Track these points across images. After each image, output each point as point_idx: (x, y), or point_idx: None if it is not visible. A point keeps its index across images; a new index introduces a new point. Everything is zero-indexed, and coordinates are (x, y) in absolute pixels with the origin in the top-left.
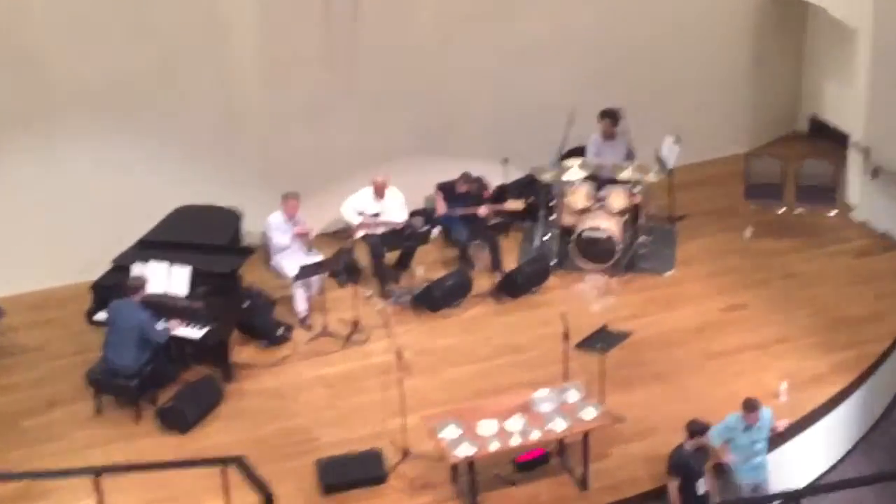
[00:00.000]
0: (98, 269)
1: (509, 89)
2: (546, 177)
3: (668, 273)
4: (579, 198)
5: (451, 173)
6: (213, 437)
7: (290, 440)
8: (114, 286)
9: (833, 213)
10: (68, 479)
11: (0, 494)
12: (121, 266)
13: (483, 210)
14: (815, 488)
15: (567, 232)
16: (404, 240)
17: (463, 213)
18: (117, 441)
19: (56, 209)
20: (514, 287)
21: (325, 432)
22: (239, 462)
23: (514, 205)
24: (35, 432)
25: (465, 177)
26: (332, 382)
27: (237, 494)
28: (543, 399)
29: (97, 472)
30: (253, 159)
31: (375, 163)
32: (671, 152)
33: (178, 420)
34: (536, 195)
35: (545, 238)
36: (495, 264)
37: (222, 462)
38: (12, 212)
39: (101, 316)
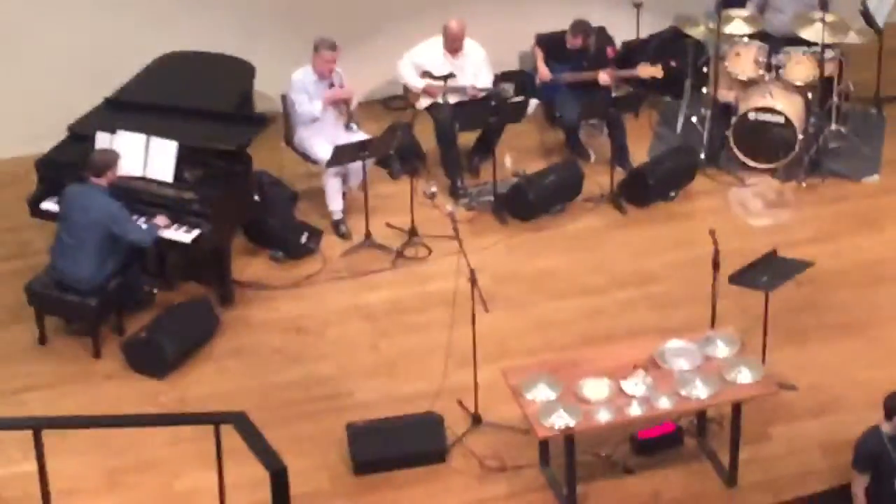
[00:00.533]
0: (47, 139)
1: None
2: (697, 31)
3: (871, 179)
4: (745, 64)
5: (557, 21)
6: (201, 383)
7: (312, 394)
8: (69, 164)
9: None
10: None
11: None
12: (79, 136)
13: (604, 76)
14: None
15: (725, 113)
16: (487, 114)
17: (573, 80)
18: (67, 383)
19: None
20: (643, 189)
21: (362, 385)
22: (238, 420)
23: (649, 71)
24: None
25: (579, 26)
26: (374, 314)
27: (232, 465)
28: (678, 352)
29: (37, 426)
30: None
31: (447, 3)
32: (883, 3)
33: (154, 358)
34: (681, 57)
35: (692, 120)
36: (618, 156)
37: (214, 420)
38: None
39: (51, 205)
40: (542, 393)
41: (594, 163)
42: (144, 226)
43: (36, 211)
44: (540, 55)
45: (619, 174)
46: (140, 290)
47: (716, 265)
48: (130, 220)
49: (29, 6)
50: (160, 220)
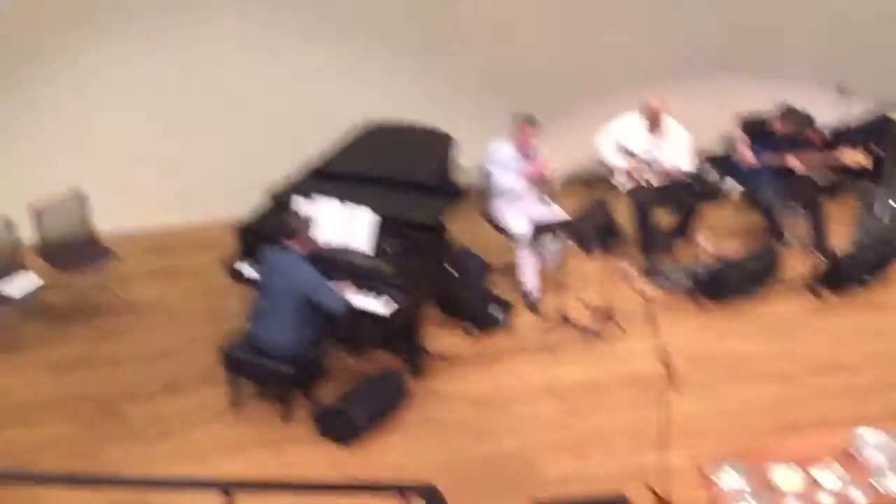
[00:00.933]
0: (248, 204)
1: None
2: None
3: None
4: None
5: (759, 103)
6: (388, 454)
7: (501, 469)
8: (268, 229)
9: None
10: (185, 493)
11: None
12: (281, 202)
13: (803, 162)
14: None
15: None
16: (686, 195)
17: (775, 164)
18: (256, 446)
19: (193, 120)
20: (841, 276)
21: (551, 462)
22: (427, 492)
23: (852, 157)
24: (143, 425)
25: (786, 111)
26: (565, 393)
27: None
28: (874, 443)
29: (226, 488)
30: (473, 65)
31: (648, 80)
32: None
33: (343, 426)
34: (886, 143)
35: (894, 207)
36: (817, 241)
37: (402, 489)
38: (133, 122)
39: (249, 270)
40: (731, 479)
41: (792, 247)
42: (336, 293)
43: (234, 274)
44: (744, 139)
45: (817, 259)
46: (322, 369)
47: None
48: (328, 288)
49: (232, 69)
50: (347, 286)
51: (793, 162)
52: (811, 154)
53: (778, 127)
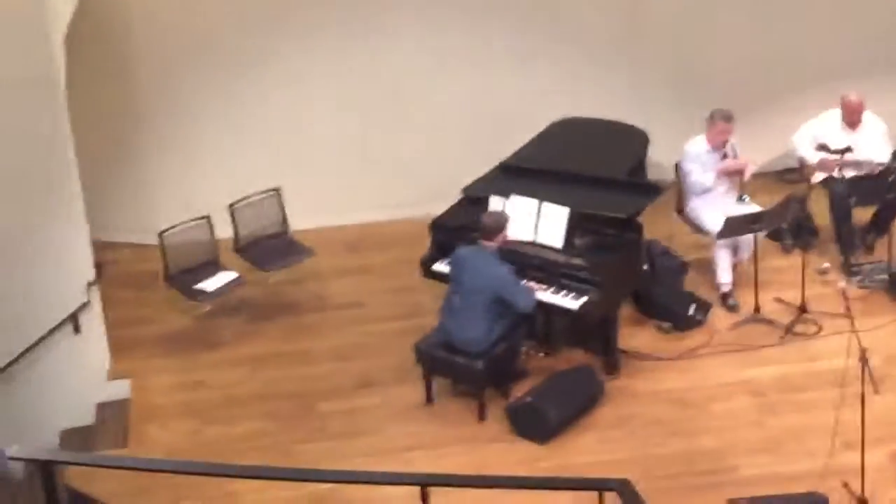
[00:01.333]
0: (441, 201)
1: None
2: None
3: None
4: None
5: None
6: (583, 451)
7: (695, 467)
8: (462, 227)
9: None
10: (380, 489)
11: (284, 499)
12: (473, 199)
13: None
14: None
15: None
16: (884, 190)
17: None
18: (450, 443)
19: (390, 118)
20: None
21: (748, 461)
22: (622, 488)
23: None
24: (337, 421)
25: None
26: (761, 390)
27: None
28: None
29: (423, 483)
30: (667, 60)
31: (846, 75)
32: None
33: (538, 423)
34: None
35: None
36: None
37: (598, 486)
38: (331, 119)
39: (442, 267)
40: None
41: None
42: (527, 290)
43: (428, 272)
44: None
45: None
46: (515, 366)
47: None
48: (519, 285)
49: (428, 67)
50: (532, 284)
51: None
52: None
53: None
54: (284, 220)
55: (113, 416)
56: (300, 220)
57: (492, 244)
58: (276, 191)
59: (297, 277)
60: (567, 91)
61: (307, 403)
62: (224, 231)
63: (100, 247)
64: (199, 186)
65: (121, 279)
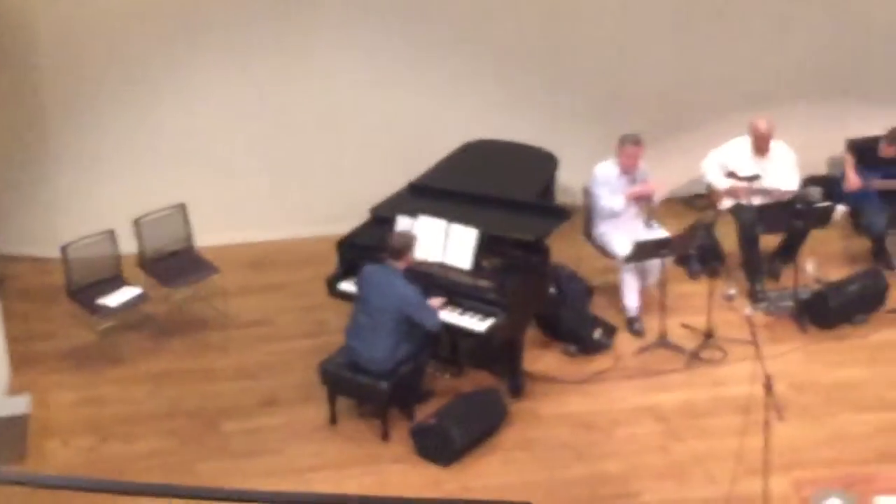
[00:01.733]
0: (348, 219)
1: None
2: None
3: None
4: None
5: (869, 126)
6: (487, 474)
7: (599, 492)
8: (369, 246)
9: None
10: None
11: None
12: (381, 218)
13: None
14: None
15: None
16: (792, 218)
17: (884, 188)
18: (354, 464)
19: (297, 136)
20: None
21: (650, 486)
22: None
23: None
24: (240, 440)
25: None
26: (665, 415)
27: None
28: None
29: (324, 503)
30: (579, 86)
31: (757, 102)
32: None
33: (442, 444)
34: None
35: None
36: None
37: None
38: (236, 136)
39: (349, 286)
40: None
41: None
42: (432, 310)
43: (334, 291)
44: (850, 162)
45: None
46: (419, 387)
47: None
48: (426, 305)
49: (341, 85)
50: (435, 301)
51: None
52: None
53: (886, 151)
54: (189, 237)
55: (11, 431)
56: (207, 237)
57: (398, 264)
58: (182, 206)
59: (203, 294)
60: (480, 113)
61: (210, 422)
62: (128, 246)
63: (0, 260)
64: (103, 200)
65: (22, 293)
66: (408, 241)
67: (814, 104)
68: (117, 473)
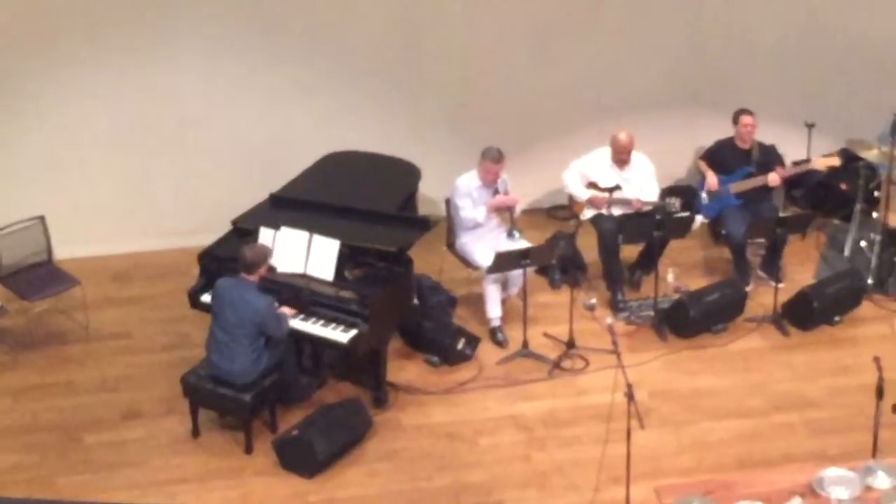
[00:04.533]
0: (210, 232)
1: (827, 19)
2: (869, 154)
3: None
4: None
5: (719, 134)
6: (351, 485)
7: (463, 501)
8: (231, 258)
9: None
10: None
11: None
12: (243, 230)
13: (774, 177)
14: None
15: (894, 238)
16: (652, 228)
17: (743, 189)
18: (216, 477)
19: (155, 145)
20: (806, 312)
21: (514, 496)
22: None
23: (825, 161)
24: (101, 453)
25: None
26: (528, 424)
27: None
28: (837, 480)
29: None
30: (440, 97)
31: (616, 114)
32: None
33: (304, 457)
34: (852, 180)
35: (860, 244)
36: (770, 270)
37: None
38: (95, 148)
39: (209, 298)
40: None
41: (758, 283)
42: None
43: (196, 303)
44: (705, 165)
45: (784, 295)
46: (299, 386)
47: (879, 393)
48: (273, 315)
49: (205, 94)
50: (286, 310)
51: (760, 182)
52: (778, 168)
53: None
54: (49, 249)
55: None
56: (66, 249)
57: (252, 278)
58: (41, 218)
59: (62, 307)
60: (344, 124)
61: (71, 435)
62: None
63: None
64: None
65: None
66: (261, 255)
67: (673, 115)
68: None
